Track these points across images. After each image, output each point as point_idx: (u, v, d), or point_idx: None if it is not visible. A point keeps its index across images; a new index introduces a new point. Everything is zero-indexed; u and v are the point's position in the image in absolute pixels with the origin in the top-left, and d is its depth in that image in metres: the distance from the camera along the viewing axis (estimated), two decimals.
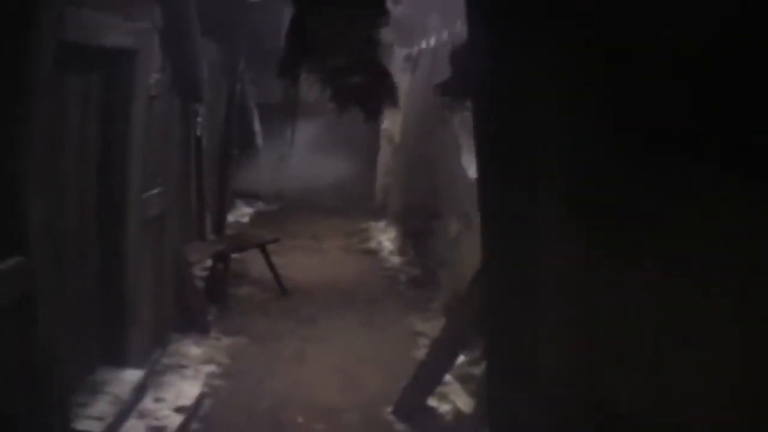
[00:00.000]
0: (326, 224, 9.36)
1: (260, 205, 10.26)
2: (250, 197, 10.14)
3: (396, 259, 7.64)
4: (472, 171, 4.96)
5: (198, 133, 7.08)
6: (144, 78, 4.11)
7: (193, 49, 4.81)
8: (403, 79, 8.75)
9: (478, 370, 4.50)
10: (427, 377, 4.32)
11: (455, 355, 4.36)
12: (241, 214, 9.76)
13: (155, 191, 4.42)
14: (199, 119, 5.99)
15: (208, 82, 7.29)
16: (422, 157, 6.52)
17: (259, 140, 10.07)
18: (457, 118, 5.21)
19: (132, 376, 4.09)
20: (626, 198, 1.51)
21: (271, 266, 6.48)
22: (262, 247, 6.50)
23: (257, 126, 9.97)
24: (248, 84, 9.92)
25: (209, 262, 6.16)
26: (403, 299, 6.48)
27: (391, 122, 8.91)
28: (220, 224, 7.73)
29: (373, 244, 8.38)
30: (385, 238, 8.49)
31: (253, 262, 6.85)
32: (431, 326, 5.58)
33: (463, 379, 4.59)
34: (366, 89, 3.14)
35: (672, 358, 1.42)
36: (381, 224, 9.10)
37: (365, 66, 3.13)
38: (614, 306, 1.56)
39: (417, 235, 7.02)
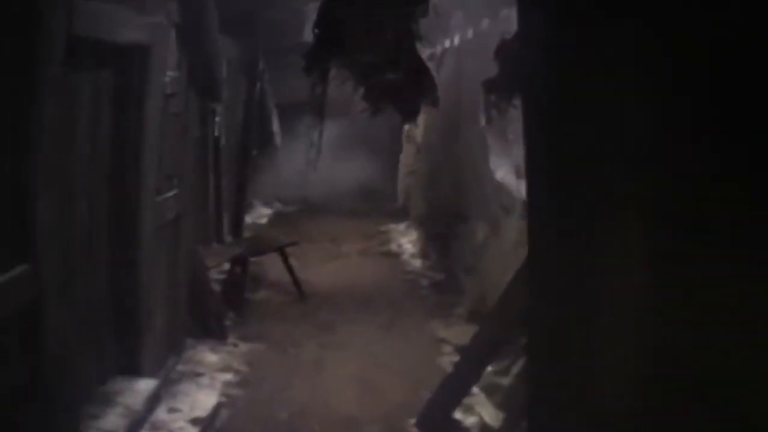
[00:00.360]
0: (346, 226, 9.19)
1: (278, 206, 10.12)
2: (268, 198, 10.05)
3: (417, 263, 7.45)
4: (500, 173, 4.78)
5: (216, 132, 6.99)
6: (159, 75, 3.95)
7: (212, 45, 4.66)
8: None
9: (505, 381, 4.31)
10: (454, 388, 4.11)
11: (485, 366, 4.16)
12: (259, 215, 9.61)
13: (171, 194, 4.27)
14: (217, 119, 5.85)
15: (227, 81, 7.19)
16: (447, 158, 6.35)
17: (278, 141, 9.96)
18: (484, 117, 5.07)
19: (145, 385, 3.94)
20: (699, 208, 1.35)
21: (289, 270, 6.32)
22: (281, 251, 6.36)
23: (276, 126, 9.84)
24: (267, 83, 9.84)
25: (227, 266, 6.06)
26: (426, 304, 6.26)
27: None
28: (237, 226, 7.61)
29: (393, 247, 8.19)
30: (406, 241, 8.31)
31: (270, 264, 6.67)
32: (455, 333, 5.38)
33: (490, 390, 4.38)
34: (402, 87, 2.87)
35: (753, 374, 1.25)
36: (402, 226, 8.90)
37: (401, 61, 2.85)
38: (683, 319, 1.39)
39: (440, 239, 6.84)
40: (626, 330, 1.56)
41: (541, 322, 1.98)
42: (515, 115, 4.69)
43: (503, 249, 4.80)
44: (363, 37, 2.67)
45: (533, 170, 2.00)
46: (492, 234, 4.92)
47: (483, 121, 5.30)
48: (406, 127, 9.37)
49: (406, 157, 8.95)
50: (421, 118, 8.62)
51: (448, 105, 6.49)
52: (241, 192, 7.07)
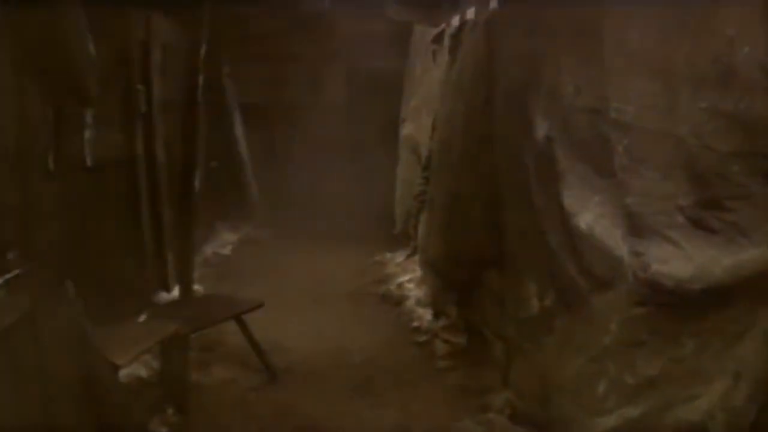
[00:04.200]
0: (330, 255, 7.30)
1: (247, 231, 8.24)
2: (235, 221, 8.30)
3: (428, 315, 5.49)
4: (587, 218, 3.02)
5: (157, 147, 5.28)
6: None
7: (68, 19, 2.84)
8: (431, 68, 6.59)
9: None
10: None
11: None
12: (223, 243, 7.68)
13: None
14: (87, 134, 4.08)
15: (163, 75, 5.45)
16: (476, 180, 4.43)
17: (242, 149, 8.23)
18: (545, 123, 3.33)
19: None
20: None
21: (252, 343, 4.45)
22: (238, 318, 4.46)
23: (239, 131, 8.11)
24: (227, 79, 8.11)
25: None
26: (447, 388, 4.35)
27: (415, 126, 6.86)
28: (185, 270, 5.85)
29: (393, 287, 6.29)
30: (408, 278, 6.51)
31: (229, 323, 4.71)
32: None
33: None
34: None
35: None
36: (400, 256, 6.99)
37: None
38: None
39: (461, 289, 5.09)
40: None
41: None
42: (634, 125, 2.98)
43: (587, 340, 3.10)
44: None
45: None
46: (566, 311, 3.21)
47: (544, 130, 3.58)
48: (403, 131, 7.68)
49: (406, 171, 7.01)
50: (425, 122, 6.85)
51: (473, 104, 4.72)
52: (186, 222, 5.25)
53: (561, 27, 3.29)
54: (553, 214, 3.14)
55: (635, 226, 2.59)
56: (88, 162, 4.08)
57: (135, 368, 4.36)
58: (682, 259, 2.47)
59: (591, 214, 2.77)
